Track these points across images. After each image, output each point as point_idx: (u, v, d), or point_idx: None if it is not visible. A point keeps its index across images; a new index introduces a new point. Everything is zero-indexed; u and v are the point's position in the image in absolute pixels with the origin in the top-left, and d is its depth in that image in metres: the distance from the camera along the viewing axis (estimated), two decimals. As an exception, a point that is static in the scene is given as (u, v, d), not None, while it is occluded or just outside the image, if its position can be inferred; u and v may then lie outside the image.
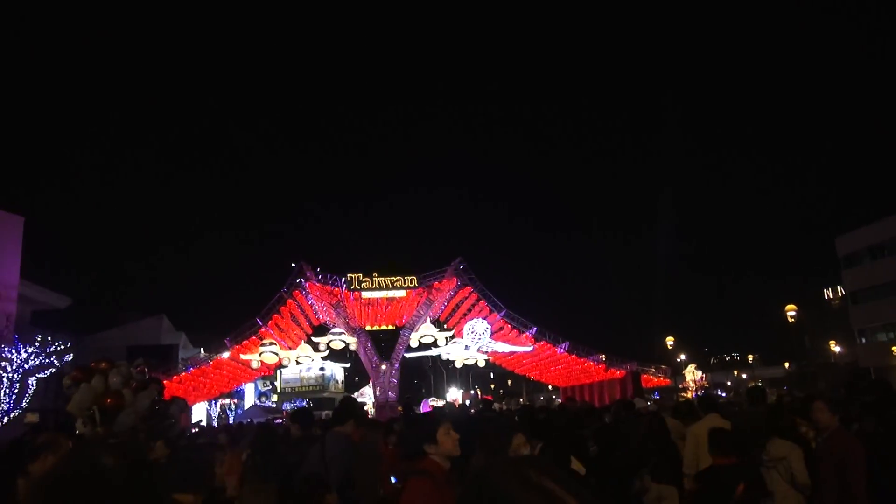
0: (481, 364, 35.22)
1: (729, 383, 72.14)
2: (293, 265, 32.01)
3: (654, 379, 37.58)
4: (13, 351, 22.25)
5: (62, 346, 23.32)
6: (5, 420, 21.77)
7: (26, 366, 22.48)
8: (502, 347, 33.33)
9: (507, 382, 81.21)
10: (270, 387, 56.56)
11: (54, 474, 1.58)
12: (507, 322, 33.50)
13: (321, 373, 56.95)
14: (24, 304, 29.18)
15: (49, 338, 23.48)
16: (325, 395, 56.48)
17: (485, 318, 32.77)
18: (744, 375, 74.78)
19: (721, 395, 41.03)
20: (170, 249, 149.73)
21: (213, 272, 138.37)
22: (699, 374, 57.44)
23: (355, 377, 61.29)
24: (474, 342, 32.01)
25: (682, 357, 61.67)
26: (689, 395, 44.76)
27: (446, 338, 33.50)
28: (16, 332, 24.30)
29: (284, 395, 56.20)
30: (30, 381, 22.87)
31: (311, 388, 57.87)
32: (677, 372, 53.38)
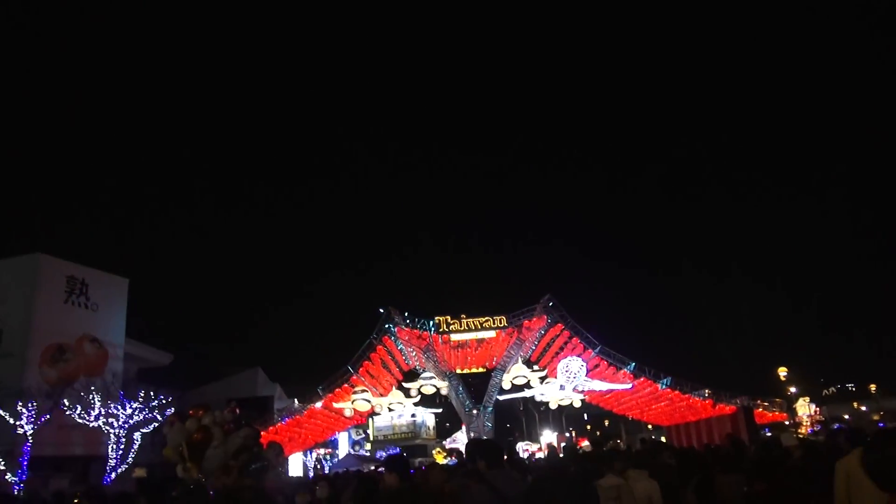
0: (577, 404, 33.78)
1: (847, 417, 66.59)
2: (381, 310, 32.00)
3: (768, 414, 34.94)
4: (118, 407, 23.00)
5: (164, 401, 23.93)
6: (113, 475, 22.37)
7: (131, 421, 23.17)
8: (599, 386, 31.90)
9: (603, 423, 78.08)
10: (364, 435, 56.52)
11: None
12: (602, 359, 32.11)
13: (412, 419, 56.58)
14: (130, 362, 30.34)
15: (152, 393, 24.16)
16: (418, 441, 56.02)
17: (579, 356, 31.56)
18: (863, 408, 69.00)
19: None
20: (261, 303, 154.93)
21: (302, 321, 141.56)
22: (813, 407, 53.32)
23: (446, 423, 60.48)
24: (570, 381, 30.77)
25: (793, 390, 57.38)
26: (804, 430, 41.43)
27: (539, 378, 32.45)
28: (122, 388, 25.20)
29: (377, 444, 56.04)
30: (135, 436, 23.53)
31: (403, 435, 57.56)
32: (788, 406, 49.75)
